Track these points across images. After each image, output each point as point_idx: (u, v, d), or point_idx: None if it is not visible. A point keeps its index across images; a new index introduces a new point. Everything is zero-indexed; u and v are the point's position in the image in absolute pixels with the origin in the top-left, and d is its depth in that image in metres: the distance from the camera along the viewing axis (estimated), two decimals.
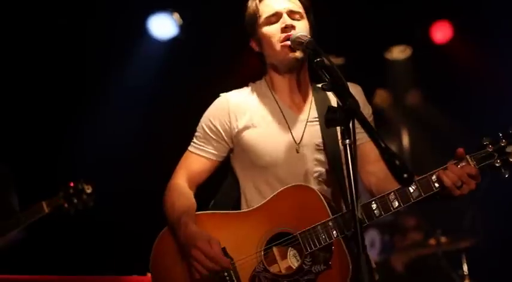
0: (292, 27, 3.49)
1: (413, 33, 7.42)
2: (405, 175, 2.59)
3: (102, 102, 6.33)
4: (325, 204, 3.35)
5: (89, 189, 4.62)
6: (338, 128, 3.41)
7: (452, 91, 6.95)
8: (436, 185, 3.28)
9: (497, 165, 3.30)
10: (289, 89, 3.63)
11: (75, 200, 4.64)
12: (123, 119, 6.27)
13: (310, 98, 3.66)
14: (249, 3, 3.66)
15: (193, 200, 3.59)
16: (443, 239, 6.18)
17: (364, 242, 2.75)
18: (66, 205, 4.66)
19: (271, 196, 3.44)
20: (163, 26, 6.61)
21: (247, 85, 3.76)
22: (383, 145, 2.67)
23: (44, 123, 6.25)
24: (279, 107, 3.60)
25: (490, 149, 3.31)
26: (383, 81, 7.71)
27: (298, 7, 3.59)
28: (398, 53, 7.64)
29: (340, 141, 3.48)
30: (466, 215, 6.48)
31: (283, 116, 3.58)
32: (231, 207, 3.64)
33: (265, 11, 3.57)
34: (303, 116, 3.59)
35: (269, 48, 3.56)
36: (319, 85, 3.63)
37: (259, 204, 3.47)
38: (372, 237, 7.59)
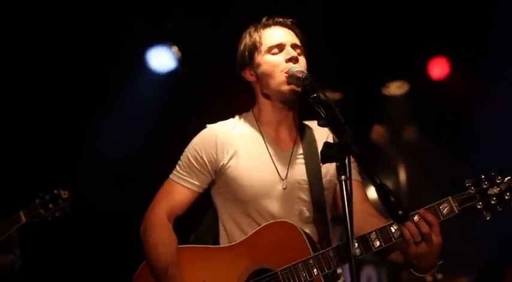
0: (297, 59, 3.51)
1: (410, 69, 7.44)
2: (400, 212, 2.60)
3: (98, 133, 6.35)
4: (307, 241, 3.35)
5: (65, 195, 4.50)
6: (322, 167, 3.47)
7: (449, 127, 6.96)
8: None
9: (478, 207, 3.31)
10: (277, 122, 3.62)
11: (51, 206, 4.52)
12: (120, 150, 6.27)
13: (297, 135, 3.65)
14: (250, 32, 3.66)
15: (175, 240, 3.55)
16: (439, 276, 6.16)
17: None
18: (42, 212, 4.53)
19: (253, 232, 3.43)
20: (162, 58, 6.63)
21: (233, 116, 3.76)
22: (378, 181, 2.67)
23: (40, 152, 6.24)
24: (265, 142, 3.59)
25: (472, 190, 3.33)
26: (380, 117, 7.71)
27: (299, 42, 3.62)
28: (396, 88, 7.65)
29: (323, 180, 3.51)
30: (463, 251, 6.46)
31: (268, 151, 3.57)
32: (212, 241, 3.61)
33: (269, 40, 3.58)
34: (288, 152, 3.59)
35: (269, 78, 3.54)
36: (306, 122, 3.67)
37: (241, 240, 3.46)
38: (369, 274, 7.56)
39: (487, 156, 6.15)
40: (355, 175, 3.48)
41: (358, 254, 3.25)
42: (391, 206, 2.61)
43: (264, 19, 3.69)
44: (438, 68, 7.38)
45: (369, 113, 7.29)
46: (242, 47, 3.67)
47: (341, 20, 6.48)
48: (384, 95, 7.65)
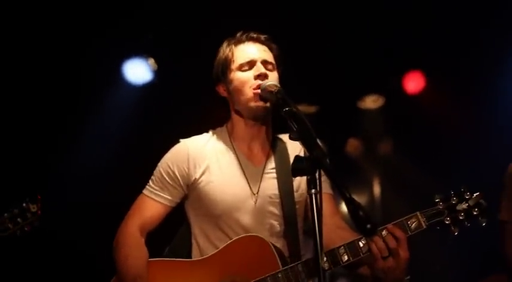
0: (266, 76, 3.53)
1: (386, 83, 7.46)
2: (368, 226, 2.62)
3: (74, 144, 6.32)
4: (276, 255, 3.39)
5: (34, 209, 4.46)
6: (294, 181, 3.50)
7: (424, 141, 6.99)
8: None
9: (446, 222, 3.36)
10: (250, 138, 3.65)
11: (20, 220, 4.46)
12: (95, 162, 6.26)
13: (269, 149, 3.68)
14: (223, 47, 3.70)
15: (146, 253, 3.59)
16: None
17: None
18: (11, 226, 4.47)
19: (224, 245, 3.47)
20: (138, 71, 6.62)
21: (207, 131, 3.77)
22: (347, 195, 2.69)
23: (13, 164, 6.19)
24: (237, 156, 3.62)
25: (440, 206, 3.39)
26: (355, 130, 7.72)
27: (271, 58, 3.65)
28: (371, 102, 7.66)
29: (295, 194, 3.53)
30: (434, 266, 6.49)
31: (241, 166, 3.59)
32: (186, 254, 3.64)
33: (240, 57, 3.63)
34: (260, 167, 3.62)
35: (239, 94, 3.58)
36: (280, 135, 3.69)
37: (212, 253, 3.49)
38: None
39: (461, 171, 6.20)
40: (326, 188, 3.51)
41: (326, 268, 3.28)
42: (360, 220, 2.64)
43: (238, 34, 3.72)
44: (413, 83, 7.40)
45: (344, 126, 7.30)
46: (217, 62, 3.71)
47: (316, 34, 6.49)
48: (360, 109, 7.66)
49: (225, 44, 3.72)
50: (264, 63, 3.61)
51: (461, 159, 6.55)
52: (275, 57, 3.70)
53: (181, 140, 3.73)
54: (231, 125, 3.72)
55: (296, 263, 3.38)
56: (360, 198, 7.57)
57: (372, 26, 6.72)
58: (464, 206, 3.38)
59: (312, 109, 7.13)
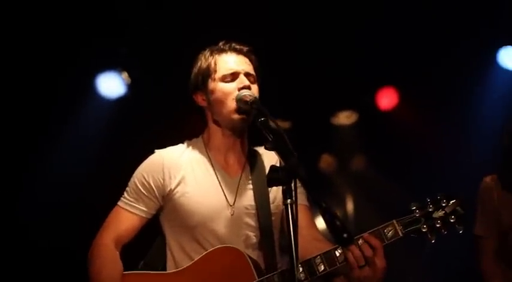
0: (249, 88, 3.51)
1: (359, 99, 7.49)
2: (345, 235, 2.61)
3: (46, 157, 6.27)
4: (252, 266, 3.36)
5: None
6: (270, 193, 3.48)
7: (397, 157, 7.01)
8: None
9: (423, 230, 3.34)
10: (226, 149, 3.63)
11: None
12: (67, 175, 6.20)
13: (245, 161, 3.66)
14: (205, 56, 3.66)
15: (120, 265, 3.53)
16: None
17: None
18: None
19: (199, 257, 3.44)
20: (111, 84, 6.59)
21: (182, 142, 3.75)
22: (324, 205, 2.68)
23: None
24: (213, 168, 3.59)
25: (417, 214, 3.37)
26: (328, 146, 7.73)
27: (252, 70, 3.64)
28: (344, 118, 7.68)
29: (271, 205, 3.51)
30: (408, 278, 6.51)
31: (217, 177, 3.57)
32: (161, 267, 3.59)
33: (223, 67, 3.59)
34: (237, 178, 3.59)
35: (221, 105, 3.55)
36: (256, 148, 3.68)
37: (187, 265, 3.46)
38: None
39: (434, 186, 6.21)
40: (302, 200, 3.50)
41: (302, 278, 3.26)
42: (336, 229, 2.63)
43: (220, 43, 3.70)
44: (386, 99, 7.44)
45: (317, 142, 7.31)
46: (196, 70, 3.67)
47: (290, 49, 6.51)
48: (333, 125, 7.67)
49: (207, 53, 3.67)
50: (247, 75, 3.59)
51: (434, 174, 6.58)
52: (255, 70, 3.69)
53: (156, 150, 3.69)
54: (208, 136, 3.69)
55: (272, 274, 3.36)
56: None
57: (345, 42, 6.76)
58: (440, 213, 3.37)
59: (285, 124, 7.12)
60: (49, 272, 6.15)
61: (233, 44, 3.68)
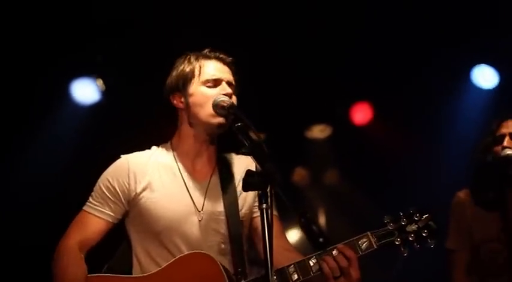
0: (231, 96, 3.52)
1: (333, 113, 7.51)
2: (321, 239, 2.60)
3: (18, 162, 6.24)
4: (224, 273, 3.35)
5: None
6: (239, 200, 3.47)
7: (371, 171, 7.03)
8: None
9: (397, 243, 3.38)
10: (195, 154, 3.62)
11: None
12: (39, 180, 6.15)
13: (214, 167, 3.65)
14: (189, 59, 3.67)
15: (84, 267, 3.49)
16: None
17: None
18: None
19: (169, 262, 3.40)
20: (86, 91, 6.55)
21: (149, 148, 3.73)
22: (300, 209, 2.67)
23: None
24: (181, 173, 3.57)
25: (390, 227, 3.40)
26: (302, 160, 7.73)
27: (233, 81, 3.64)
28: (318, 132, 7.69)
29: (240, 212, 3.50)
30: None
31: (184, 182, 3.55)
32: (126, 273, 3.55)
33: (207, 73, 3.59)
34: (205, 184, 3.57)
35: (199, 108, 3.54)
36: (226, 154, 3.66)
37: (155, 270, 3.42)
38: None
39: (407, 200, 6.22)
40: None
41: None
42: (312, 234, 2.63)
43: (206, 50, 3.70)
44: (361, 113, 7.47)
45: (291, 155, 7.30)
46: (178, 71, 3.66)
47: (265, 62, 6.51)
48: (307, 138, 7.67)
49: (192, 57, 3.67)
50: (228, 84, 3.60)
51: (407, 189, 6.60)
52: (235, 81, 3.70)
53: (122, 155, 3.67)
54: (177, 140, 3.68)
55: (245, 281, 3.35)
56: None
57: (320, 57, 6.77)
58: (413, 227, 3.41)
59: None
60: (17, 270, 6.10)
61: (218, 53, 3.70)
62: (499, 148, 4.57)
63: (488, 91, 6.89)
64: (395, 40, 6.62)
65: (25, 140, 6.25)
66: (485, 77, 6.89)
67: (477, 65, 6.88)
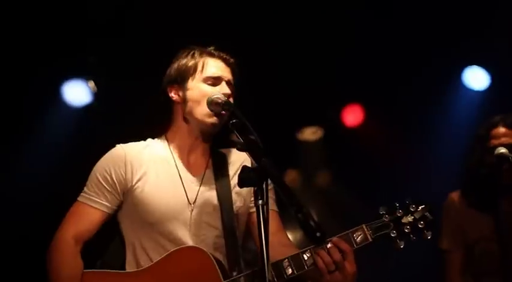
0: (230, 96, 3.52)
1: (325, 116, 7.51)
2: (318, 234, 2.60)
3: (10, 163, 6.19)
4: (217, 267, 3.34)
5: None
6: (233, 194, 3.46)
7: (362, 173, 7.03)
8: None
9: (392, 235, 3.35)
10: (190, 148, 3.61)
11: None
12: (30, 182, 6.12)
13: (209, 161, 3.63)
14: (193, 53, 3.67)
15: (81, 262, 3.46)
16: None
17: None
18: None
19: (162, 257, 3.38)
20: (77, 92, 6.53)
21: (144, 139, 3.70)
22: (297, 204, 2.67)
23: None
24: (176, 165, 3.56)
25: (386, 219, 3.39)
26: (293, 162, 7.72)
27: (233, 82, 3.64)
28: (310, 134, 7.69)
29: (234, 206, 3.49)
30: None
31: (179, 174, 3.54)
32: (119, 267, 3.52)
33: (209, 70, 3.59)
34: (199, 177, 3.57)
35: (196, 105, 3.54)
36: (221, 149, 3.65)
37: (149, 265, 3.41)
38: None
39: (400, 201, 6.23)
40: (272, 205, 3.48)
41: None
42: (309, 228, 2.62)
43: (211, 48, 3.70)
44: (352, 115, 7.48)
45: (282, 157, 7.28)
46: (179, 64, 3.65)
47: (256, 63, 6.50)
48: (298, 140, 7.67)
49: (195, 52, 3.66)
50: (228, 84, 3.61)
51: (399, 191, 6.59)
52: (234, 82, 3.71)
53: (117, 145, 3.64)
54: (172, 133, 3.67)
55: (238, 276, 3.34)
56: (297, 231, 7.55)
57: (311, 58, 6.77)
58: (409, 218, 3.39)
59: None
60: (17, 267, 6.09)
61: (221, 53, 3.70)
62: (492, 159, 4.58)
63: (479, 92, 6.91)
64: (387, 42, 6.64)
65: (17, 142, 6.24)
66: (476, 78, 6.91)
67: (468, 67, 6.90)
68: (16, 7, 5.88)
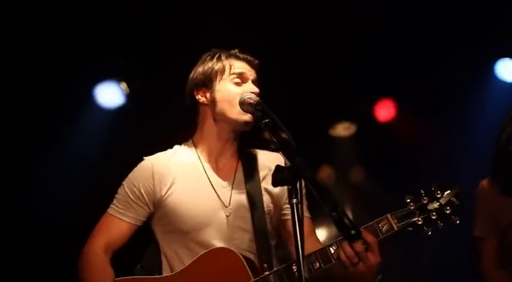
0: (258, 95, 3.52)
1: (357, 111, 7.50)
2: (353, 232, 2.60)
3: (46, 168, 6.25)
4: (247, 266, 3.36)
5: None
6: (264, 196, 3.47)
7: (395, 168, 7.01)
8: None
9: (419, 223, 3.33)
10: (218, 151, 3.63)
11: None
12: (67, 186, 6.17)
13: (237, 163, 3.64)
14: (219, 55, 3.70)
15: (111, 272, 3.51)
16: None
17: None
18: None
19: (194, 259, 3.41)
20: (110, 94, 6.59)
21: (171, 147, 3.72)
22: (332, 202, 2.67)
23: None
24: (205, 170, 3.58)
25: (411, 206, 3.36)
26: (327, 158, 7.71)
27: (256, 82, 3.65)
28: (343, 130, 7.68)
29: (265, 208, 3.49)
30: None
31: (209, 179, 3.55)
32: (157, 271, 3.56)
33: (236, 72, 3.62)
34: (230, 181, 3.58)
35: (227, 104, 3.55)
36: (249, 149, 3.66)
37: (181, 269, 3.43)
38: None
39: None
40: (304, 211, 3.50)
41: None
42: (344, 226, 2.62)
43: (236, 50, 3.73)
44: (385, 110, 7.46)
45: (315, 154, 7.27)
46: (204, 68, 3.67)
47: (287, 61, 6.51)
48: (331, 136, 7.66)
49: (222, 54, 3.69)
50: (254, 83, 3.65)
51: (432, 185, 6.56)
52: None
53: (145, 157, 3.68)
54: (200, 137, 3.69)
55: (268, 273, 3.36)
56: (332, 227, 7.56)
57: (343, 54, 6.76)
58: (435, 205, 3.36)
59: (283, 135, 7.08)
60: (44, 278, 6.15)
61: (246, 55, 3.74)
62: None
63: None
64: (419, 35, 6.60)
65: (50, 146, 6.29)
66: (508, 70, 6.86)
67: (501, 59, 6.85)
68: (49, 10, 5.94)
